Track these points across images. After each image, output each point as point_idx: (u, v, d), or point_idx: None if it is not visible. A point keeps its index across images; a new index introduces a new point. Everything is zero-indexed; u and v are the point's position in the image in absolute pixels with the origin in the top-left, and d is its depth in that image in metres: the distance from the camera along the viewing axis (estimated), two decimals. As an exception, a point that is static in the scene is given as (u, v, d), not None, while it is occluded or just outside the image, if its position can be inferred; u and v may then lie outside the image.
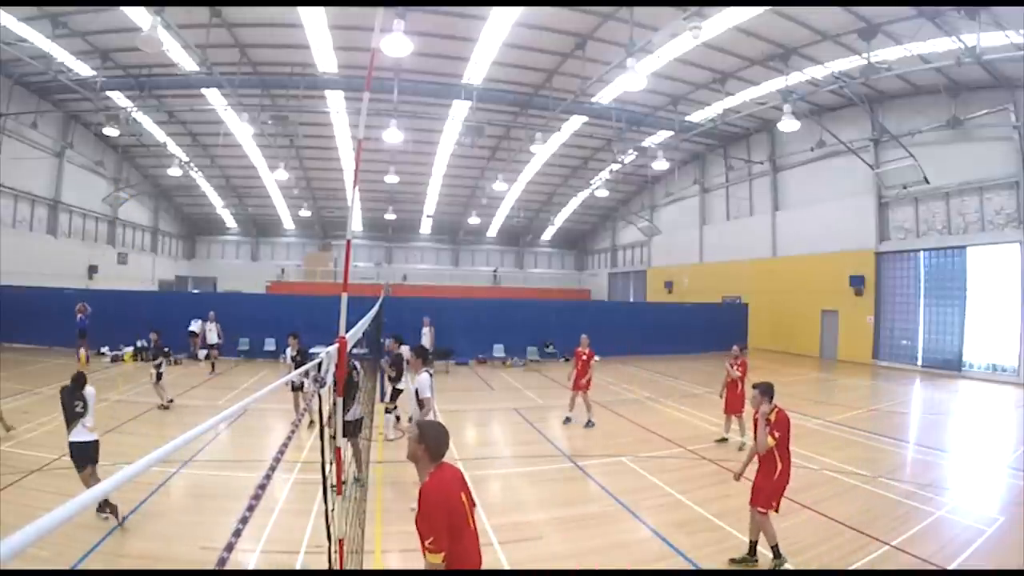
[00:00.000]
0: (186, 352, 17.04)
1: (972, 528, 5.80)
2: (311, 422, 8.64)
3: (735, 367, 9.43)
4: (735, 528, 5.68)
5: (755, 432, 5.30)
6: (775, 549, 4.89)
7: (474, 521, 2.93)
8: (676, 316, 23.52)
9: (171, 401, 10.83)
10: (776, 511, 4.99)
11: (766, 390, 5.19)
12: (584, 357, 10.55)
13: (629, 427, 10.44)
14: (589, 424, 10.20)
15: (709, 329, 22.66)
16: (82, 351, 16.21)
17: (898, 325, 19.85)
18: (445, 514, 2.73)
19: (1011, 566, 5.04)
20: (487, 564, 4.97)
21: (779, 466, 4.99)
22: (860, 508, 6.29)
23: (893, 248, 20.11)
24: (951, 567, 4.91)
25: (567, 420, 10.53)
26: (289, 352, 9.90)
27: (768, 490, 4.95)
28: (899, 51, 15.23)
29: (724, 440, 9.25)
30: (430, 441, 2.90)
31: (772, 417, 5.04)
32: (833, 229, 21.89)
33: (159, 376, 10.73)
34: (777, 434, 4.97)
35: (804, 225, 23.61)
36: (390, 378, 9.41)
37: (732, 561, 5.07)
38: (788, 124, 17.40)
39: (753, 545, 5.09)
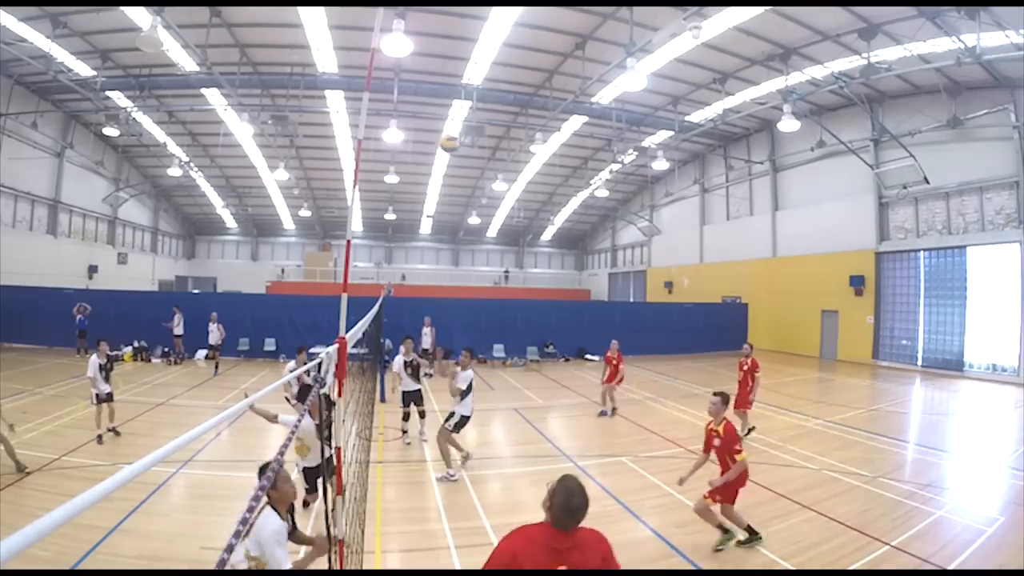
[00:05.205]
0: (175, 354, 16.90)
1: (972, 528, 5.80)
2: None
3: (744, 367, 9.70)
4: (735, 528, 5.67)
5: None
6: None
7: None
8: (676, 316, 23.49)
9: (112, 429, 8.62)
10: None
11: None
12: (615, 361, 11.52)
13: (629, 427, 10.44)
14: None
15: (709, 329, 22.69)
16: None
17: (898, 325, 19.84)
18: None
19: (1011, 566, 5.04)
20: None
21: None
22: (860, 508, 6.29)
23: (893, 248, 20.10)
24: (951, 567, 4.91)
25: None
26: None
27: None
28: (899, 51, 15.24)
29: (752, 430, 9.56)
30: None
31: None
32: (833, 229, 21.89)
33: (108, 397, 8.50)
34: None
35: (804, 225, 23.60)
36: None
37: None
38: (788, 124, 17.41)
39: None
